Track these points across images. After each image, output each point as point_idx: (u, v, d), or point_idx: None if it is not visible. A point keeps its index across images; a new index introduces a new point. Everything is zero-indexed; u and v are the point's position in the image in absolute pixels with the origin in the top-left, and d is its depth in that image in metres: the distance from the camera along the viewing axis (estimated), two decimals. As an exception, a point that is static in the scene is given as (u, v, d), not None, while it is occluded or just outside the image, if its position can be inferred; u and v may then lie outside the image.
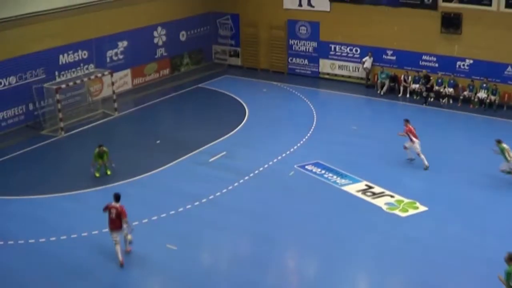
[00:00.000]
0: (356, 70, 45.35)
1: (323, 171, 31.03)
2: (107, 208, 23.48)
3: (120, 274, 22.92)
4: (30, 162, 33.00)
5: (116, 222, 23.28)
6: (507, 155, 29.39)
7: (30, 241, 24.97)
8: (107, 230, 24.16)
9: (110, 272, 23.01)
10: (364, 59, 44.57)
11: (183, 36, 49.03)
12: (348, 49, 45.52)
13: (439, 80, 41.48)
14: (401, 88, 42.79)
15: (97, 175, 30.61)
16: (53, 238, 25.07)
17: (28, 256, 23.99)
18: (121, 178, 30.63)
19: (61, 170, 32.17)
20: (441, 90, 41.23)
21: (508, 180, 29.34)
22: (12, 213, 27.58)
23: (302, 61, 47.91)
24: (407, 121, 32.01)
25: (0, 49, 35.85)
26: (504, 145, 29.66)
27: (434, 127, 37.14)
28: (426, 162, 31.23)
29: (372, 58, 44.22)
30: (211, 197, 28.56)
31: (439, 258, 23.35)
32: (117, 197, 23.51)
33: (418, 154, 31.35)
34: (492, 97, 39.40)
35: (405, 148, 31.82)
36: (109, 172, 31.06)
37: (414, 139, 31.31)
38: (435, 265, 22.94)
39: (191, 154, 33.50)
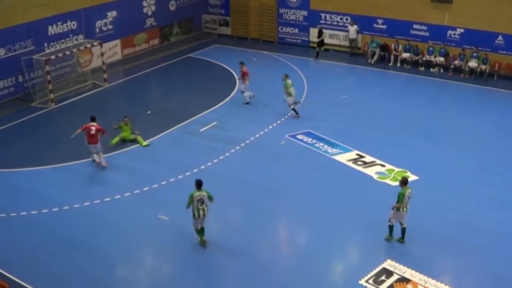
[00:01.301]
0: (347, 39, 45.20)
1: (314, 141, 31.08)
2: (85, 128, 28.19)
3: (113, 245, 22.95)
4: (20, 134, 32.89)
5: (96, 137, 28.07)
6: (291, 90, 33.57)
7: (22, 213, 24.97)
8: (98, 201, 24.35)
9: (103, 243, 23.05)
10: (347, 28, 44.53)
11: (172, 5, 48.75)
12: (338, 18, 45.36)
13: (430, 49, 41.46)
14: (392, 57, 42.72)
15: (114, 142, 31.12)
16: (45, 210, 25.07)
17: (21, 229, 24.01)
18: (112, 149, 30.58)
19: (52, 142, 32.07)
20: (432, 59, 41.22)
21: (499, 147, 29.59)
22: (3, 186, 27.51)
23: (292, 30, 47.77)
24: (242, 63, 36.67)
25: (-12, 21, 35.66)
26: (289, 81, 33.76)
27: (425, 97, 37.18)
28: (248, 99, 36.11)
29: (355, 26, 44.11)
30: (202, 167, 28.58)
31: (430, 227, 23.49)
32: (93, 118, 28.54)
33: (243, 92, 36.24)
34: (483, 66, 39.39)
35: (242, 92, 36.34)
36: (145, 143, 31.20)
37: (246, 81, 36.09)
38: (425, 234, 23.08)
39: (182, 124, 33.47)
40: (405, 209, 22.43)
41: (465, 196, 25.73)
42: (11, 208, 25.22)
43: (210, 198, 22.33)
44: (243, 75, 36.09)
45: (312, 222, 24.44)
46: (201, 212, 22.23)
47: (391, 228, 22.82)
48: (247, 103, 35.93)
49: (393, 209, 22.46)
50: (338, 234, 23.47)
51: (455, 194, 25.77)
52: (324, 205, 25.25)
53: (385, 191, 26.21)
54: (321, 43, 45.42)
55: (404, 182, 22.49)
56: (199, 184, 22.23)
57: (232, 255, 22.37)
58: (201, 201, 22.12)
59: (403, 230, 22.71)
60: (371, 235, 23.31)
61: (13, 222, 24.46)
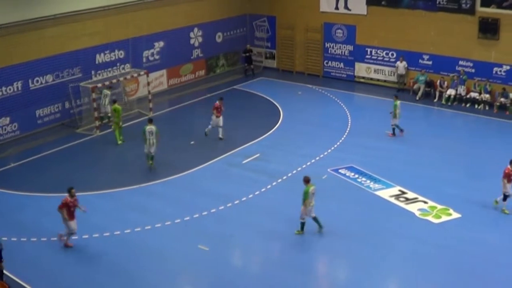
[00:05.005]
0: (392, 74, 45.10)
1: (356, 175, 30.94)
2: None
3: (153, 273, 23.02)
4: (65, 160, 33.30)
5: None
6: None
7: (63, 238, 25.18)
8: (139, 229, 24.60)
9: (143, 271, 23.17)
10: (396, 64, 44.45)
11: (219, 37, 49.16)
12: (384, 53, 45.31)
13: (475, 86, 41.12)
14: (437, 93, 42.49)
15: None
16: (86, 236, 25.27)
17: (61, 253, 24.24)
18: (154, 177, 30.82)
19: (96, 168, 32.46)
20: (477, 96, 40.88)
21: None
22: (46, 210, 27.72)
23: (337, 65, 47.79)
24: (221, 99, 36.26)
25: (38, 48, 36.29)
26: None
27: (469, 133, 36.93)
28: (221, 135, 35.70)
29: (404, 62, 44.03)
30: (243, 198, 28.62)
31: (471, 266, 23.18)
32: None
33: (219, 127, 35.69)
34: (528, 104, 39.07)
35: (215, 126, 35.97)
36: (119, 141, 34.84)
37: (219, 115, 35.60)
38: (466, 273, 22.79)
39: (224, 155, 33.60)
40: (312, 203, 25.01)
41: (508, 235, 25.38)
42: (52, 233, 25.38)
43: (157, 132, 31.44)
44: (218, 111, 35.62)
45: (351, 258, 24.25)
46: (150, 141, 31.27)
47: (303, 224, 25.32)
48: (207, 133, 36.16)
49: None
50: (378, 270, 23.28)
51: (498, 233, 25.44)
52: (365, 241, 25.05)
53: (427, 228, 26.00)
54: (249, 62, 49.43)
55: (306, 180, 24.99)
56: (150, 120, 32.21)
57: (271, 287, 22.31)
58: (151, 133, 31.28)
59: (316, 220, 25.31)
60: (412, 272, 23.09)
61: (54, 247, 24.68)
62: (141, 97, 41.95)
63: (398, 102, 35.62)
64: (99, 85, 37.36)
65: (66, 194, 24.48)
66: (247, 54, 49.33)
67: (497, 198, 27.36)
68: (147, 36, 42.95)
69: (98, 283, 22.47)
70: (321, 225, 25.36)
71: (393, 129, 35.86)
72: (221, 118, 35.59)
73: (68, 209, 24.17)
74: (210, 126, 35.70)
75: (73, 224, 24.33)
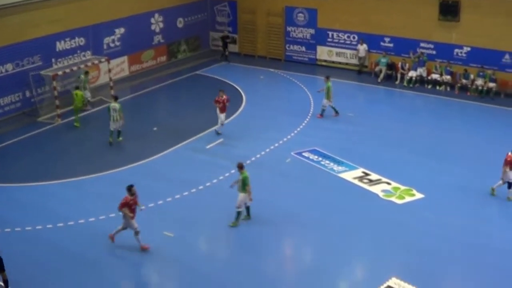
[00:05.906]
0: (354, 57, 45.26)
1: (319, 158, 31.04)
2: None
3: (117, 261, 23.00)
4: (27, 150, 32.96)
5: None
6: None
7: (27, 228, 24.99)
8: (104, 217, 24.47)
9: (109, 259, 23.10)
10: (357, 47, 44.62)
11: (180, 23, 48.90)
12: (345, 36, 45.42)
13: (436, 67, 41.42)
14: (398, 75, 42.72)
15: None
16: (50, 226, 25.08)
17: (26, 244, 24.00)
18: (119, 165, 30.62)
19: (58, 157, 32.15)
20: (438, 77, 41.18)
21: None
22: (9, 200, 27.56)
23: (299, 48, 47.82)
24: (222, 91, 34.46)
25: (-3, 36, 35.83)
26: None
27: (431, 115, 37.21)
28: (217, 128, 34.39)
29: (364, 45, 44.22)
30: (208, 184, 28.59)
31: (435, 245, 23.41)
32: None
33: (222, 124, 34.29)
34: (490, 84, 39.30)
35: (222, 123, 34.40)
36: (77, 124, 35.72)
37: (223, 110, 33.98)
38: (430, 252, 23.01)
39: (188, 141, 33.50)
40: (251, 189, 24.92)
41: (471, 215, 25.64)
42: (16, 223, 25.23)
43: (120, 110, 32.76)
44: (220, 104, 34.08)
45: (316, 240, 24.39)
46: (114, 118, 32.57)
47: (239, 213, 25.05)
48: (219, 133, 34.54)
49: (245, 193, 24.83)
50: (343, 252, 23.40)
51: (460, 213, 25.70)
52: (329, 223, 25.21)
53: (391, 209, 26.20)
54: (225, 46, 49.09)
55: (240, 166, 25.14)
56: (116, 98, 33.36)
57: (237, 271, 22.36)
58: (115, 110, 32.63)
59: (248, 208, 25.40)
60: (376, 252, 23.25)
61: (18, 237, 24.46)
62: (102, 84, 41.61)
63: (330, 83, 35.93)
64: (60, 73, 36.94)
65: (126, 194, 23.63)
66: (224, 41, 49.06)
67: (493, 185, 27.33)
68: (108, 22, 42.54)
69: (61, 272, 22.31)
70: (249, 214, 25.64)
71: (322, 111, 36.47)
72: (223, 114, 34.12)
73: (129, 208, 23.46)
74: (219, 124, 34.42)
75: (134, 222, 23.54)
